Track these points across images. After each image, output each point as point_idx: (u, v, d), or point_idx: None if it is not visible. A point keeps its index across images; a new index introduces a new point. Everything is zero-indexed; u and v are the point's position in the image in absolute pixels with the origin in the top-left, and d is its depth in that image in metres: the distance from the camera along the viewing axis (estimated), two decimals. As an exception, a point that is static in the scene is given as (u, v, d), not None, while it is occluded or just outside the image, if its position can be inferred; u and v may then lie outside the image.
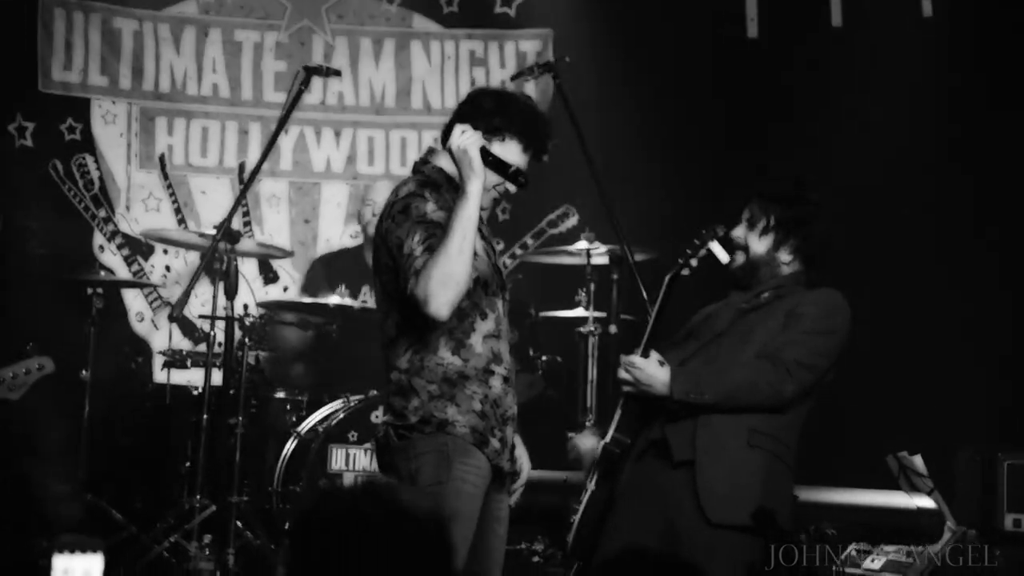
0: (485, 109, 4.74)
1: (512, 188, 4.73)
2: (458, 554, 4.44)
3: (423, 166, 4.81)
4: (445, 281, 4.42)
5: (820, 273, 5.16)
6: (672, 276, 4.99)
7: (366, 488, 2.81)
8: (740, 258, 5.10)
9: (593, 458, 5.12)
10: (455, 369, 4.59)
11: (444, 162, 4.73)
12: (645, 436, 4.98)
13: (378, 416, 4.82)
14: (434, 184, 4.66)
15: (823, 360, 4.96)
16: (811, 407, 5.05)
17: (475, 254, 4.57)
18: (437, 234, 4.49)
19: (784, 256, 5.10)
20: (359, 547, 2.70)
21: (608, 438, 4.99)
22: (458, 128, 4.59)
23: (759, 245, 5.10)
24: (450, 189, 4.65)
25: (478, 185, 4.50)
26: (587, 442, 5.23)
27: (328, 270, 9.07)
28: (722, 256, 4.99)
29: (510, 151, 4.71)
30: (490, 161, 4.59)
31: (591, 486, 5.00)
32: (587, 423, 7.67)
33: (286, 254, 9.07)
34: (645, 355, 4.92)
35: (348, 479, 7.67)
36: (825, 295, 5.05)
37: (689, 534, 4.79)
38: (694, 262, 4.98)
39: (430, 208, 4.56)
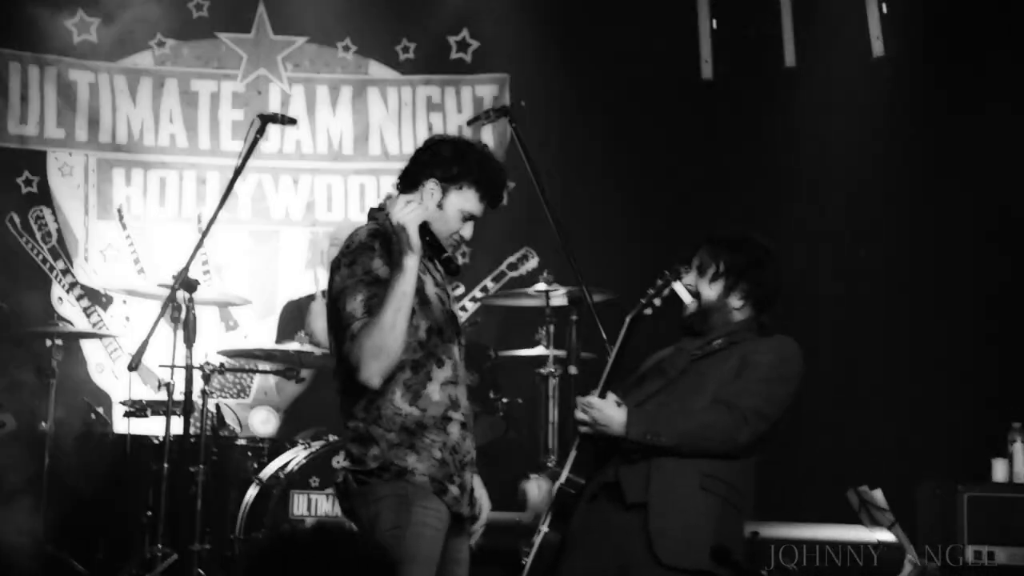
0: (443, 157, 4.78)
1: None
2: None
3: (377, 212, 4.83)
4: (376, 353, 4.49)
5: (771, 318, 5.18)
6: (634, 316, 4.99)
7: (316, 532, 2.82)
8: (692, 305, 5.11)
9: (545, 501, 5.11)
10: (413, 419, 4.59)
11: None
12: (598, 478, 4.98)
13: (338, 461, 4.80)
14: (384, 235, 4.67)
15: (777, 409, 4.98)
16: (763, 453, 5.07)
17: (428, 302, 4.63)
18: (379, 294, 4.53)
19: (735, 301, 5.11)
20: None
21: (563, 479, 4.98)
22: (402, 200, 4.61)
23: (710, 291, 5.11)
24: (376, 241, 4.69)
25: (414, 261, 4.53)
26: (536, 489, 5.21)
27: (299, 314, 9.06)
28: (685, 297, 5.01)
29: (467, 199, 4.76)
30: (427, 241, 4.62)
31: (544, 528, 4.99)
32: (548, 464, 7.66)
33: (245, 302, 9.05)
34: (603, 396, 4.93)
35: (309, 523, 7.64)
36: (779, 343, 5.06)
37: (640, 575, 4.79)
38: (657, 302, 4.99)
39: (376, 264, 4.59)
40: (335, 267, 4.67)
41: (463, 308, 9.52)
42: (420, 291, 4.64)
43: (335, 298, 4.61)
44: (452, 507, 4.63)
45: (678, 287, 4.97)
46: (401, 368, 4.58)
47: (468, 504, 4.73)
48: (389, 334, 4.49)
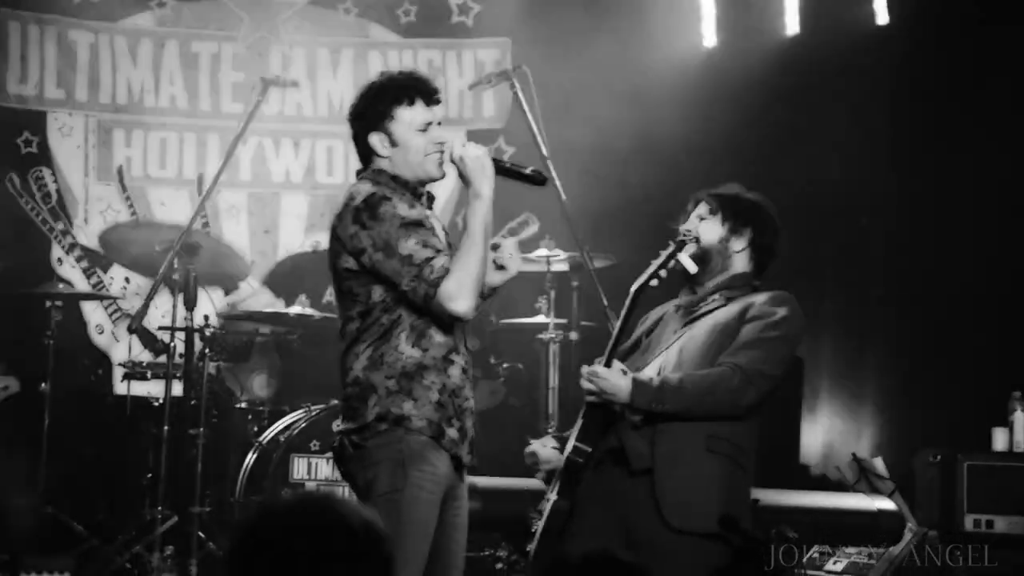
0: (359, 112, 4.81)
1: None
2: (408, 565, 4.47)
3: (366, 173, 4.84)
4: (474, 285, 4.56)
5: (766, 277, 5.17)
6: (639, 287, 4.98)
7: (302, 502, 2.81)
8: (691, 248, 5.08)
9: (554, 467, 5.11)
10: (414, 361, 4.61)
11: (384, 164, 4.77)
12: (603, 445, 4.99)
13: (337, 425, 4.81)
14: (387, 185, 4.71)
15: (782, 367, 4.97)
16: (766, 410, 5.07)
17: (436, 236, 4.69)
18: (423, 234, 4.57)
19: (736, 244, 5.09)
20: (296, 563, 2.70)
21: (570, 448, 4.98)
22: (460, 138, 4.65)
23: (711, 233, 5.08)
24: (398, 189, 4.71)
25: (491, 189, 4.62)
26: (546, 450, 5.19)
27: (292, 277, 9.05)
28: (690, 267, 4.98)
29: (404, 118, 4.74)
30: (506, 168, 4.74)
31: (553, 496, 4.99)
32: (548, 430, 7.68)
33: (245, 265, 9.05)
34: (608, 365, 4.93)
35: (310, 487, 7.66)
36: (779, 298, 5.02)
37: (650, 540, 4.79)
38: (663, 273, 4.98)
39: (403, 209, 4.61)
40: (346, 220, 4.64)
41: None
42: (435, 229, 4.70)
43: (357, 247, 4.60)
44: (450, 449, 4.63)
45: (683, 257, 4.95)
46: (410, 310, 4.61)
47: (468, 452, 4.74)
48: (485, 263, 4.62)
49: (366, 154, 4.81)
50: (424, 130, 4.77)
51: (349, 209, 4.64)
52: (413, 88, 4.79)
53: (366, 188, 4.68)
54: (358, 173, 4.88)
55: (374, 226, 4.58)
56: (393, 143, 4.76)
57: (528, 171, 4.80)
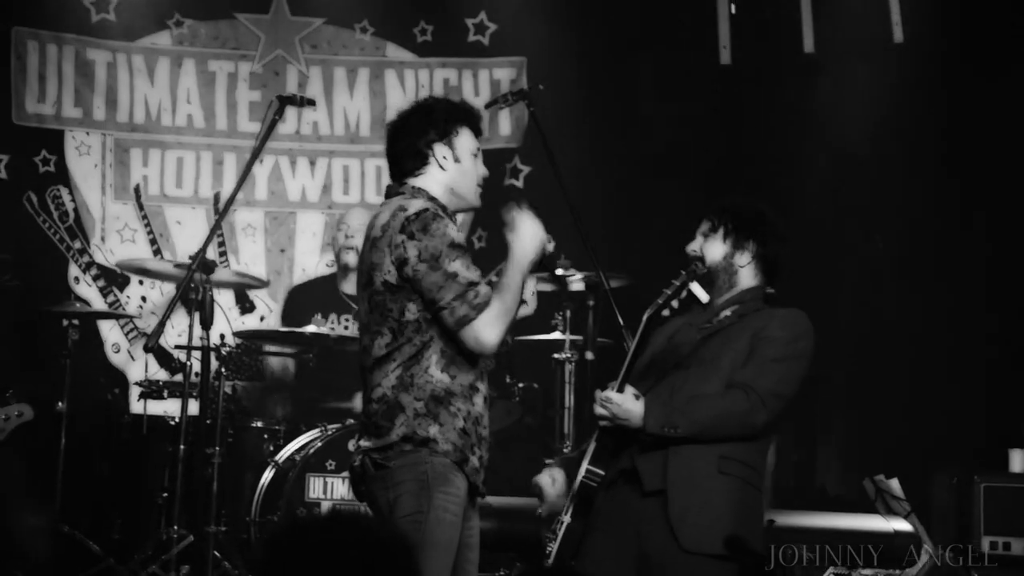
0: (431, 118, 4.89)
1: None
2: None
3: (401, 188, 4.85)
4: (507, 322, 4.70)
5: (777, 286, 5.15)
6: (650, 316, 4.98)
7: (332, 518, 2.82)
8: (699, 269, 5.09)
9: (561, 493, 5.11)
10: (443, 386, 4.63)
11: (422, 182, 4.84)
12: (616, 466, 4.98)
13: (356, 444, 4.80)
14: (434, 204, 4.78)
15: (794, 387, 4.97)
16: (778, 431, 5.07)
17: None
18: (469, 260, 4.67)
19: (741, 259, 5.09)
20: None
21: (583, 472, 4.97)
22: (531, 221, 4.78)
23: (716, 251, 5.09)
24: (436, 206, 4.76)
25: (530, 263, 4.78)
26: (549, 481, 5.19)
27: (305, 298, 9.04)
28: (702, 296, 4.97)
29: (468, 139, 4.90)
30: (544, 263, 4.91)
31: (567, 518, 4.98)
32: (564, 449, 7.67)
33: (262, 284, 9.05)
34: (621, 390, 4.92)
35: (325, 507, 7.65)
36: (792, 317, 5.03)
37: (663, 562, 4.79)
38: (675, 303, 4.98)
39: (452, 231, 4.67)
40: (394, 230, 4.65)
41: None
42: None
43: (401, 258, 4.62)
44: (471, 477, 4.66)
45: (695, 287, 4.94)
46: (441, 334, 4.64)
47: (483, 481, 4.77)
48: (516, 307, 4.73)
49: (413, 168, 4.85)
50: (476, 156, 4.90)
51: (399, 219, 4.65)
52: (473, 115, 4.96)
53: (419, 203, 4.71)
54: (390, 188, 4.91)
55: (423, 239, 4.61)
56: (456, 159, 4.85)
57: (557, 272, 5.10)
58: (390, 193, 4.90)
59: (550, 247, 4.87)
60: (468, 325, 4.59)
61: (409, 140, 4.87)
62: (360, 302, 4.84)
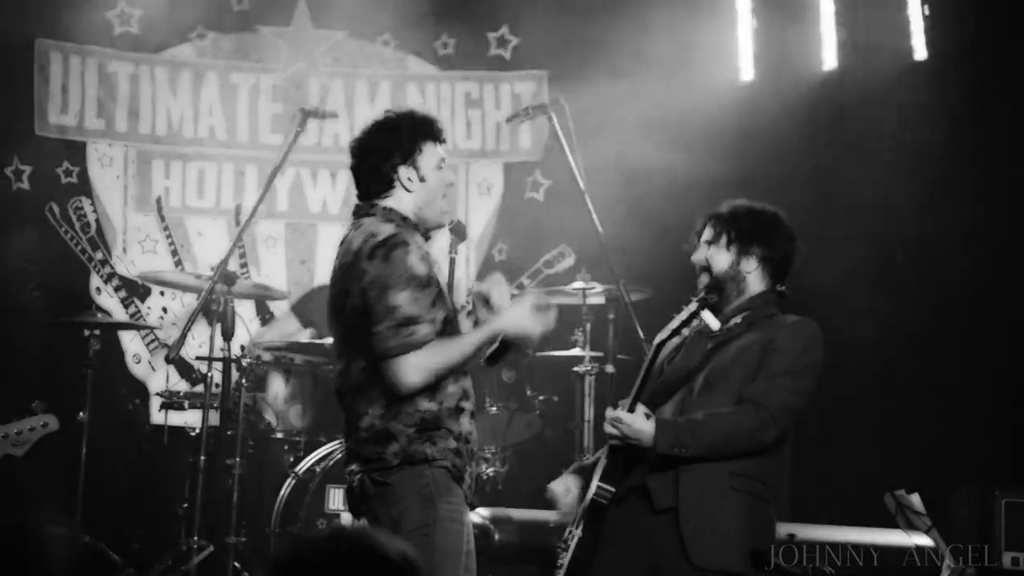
0: (393, 139, 4.83)
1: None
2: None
3: (371, 209, 4.84)
4: (438, 374, 4.61)
5: (786, 286, 5.13)
6: (661, 342, 4.97)
7: (338, 534, 2.82)
8: (704, 279, 5.07)
9: (574, 500, 5.11)
10: (432, 414, 4.64)
11: (392, 202, 4.81)
12: (627, 483, 4.97)
13: (350, 468, 4.79)
14: (404, 227, 4.74)
15: (805, 400, 4.96)
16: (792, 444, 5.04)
17: (444, 293, 4.72)
18: (421, 295, 4.58)
19: (748, 266, 5.06)
20: None
21: (593, 489, 4.97)
22: (528, 305, 4.74)
23: (722, 260, 5.07)
24: (407, 228, 4.74)
25: (503, 333, 4.74)
26: (563, 489, 5.18)
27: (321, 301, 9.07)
28: (713, 324, 4.95)
29: (432, 153, 4.85)
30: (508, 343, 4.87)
31: (578, 532, 4.97)
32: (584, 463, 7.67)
33: (282, 295, 9.07)
34: (632, 409, 4.91)
35: (345, 519, 7.66)
36: (800, 327, 5.00)
37: (674, 578, 4.80)
38: (685, 331, 4.98)
39: (413, 260, 4.62)
40: (358, 255, 4.65)
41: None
42: (438, 280, 4.72)
43: (362, 286, 4.61)
44: (465, 492, 4.70)
45: (706, 316, 4.91)
46: None
47: (474, 494, 4.82)
48: (459, 364, 4.67)
49: (380, 190, 4.82)
50: (440, 168, 4.84)
51: (369, 245, 4.64)
52: (435, 127, 4.88)
53: (388, 228, 4.69)
54: (358, 209, 4.88)
55: (381, 267, 4.59)
56: (421, 178, 4.80)
57: (529, 353, 4.96)
58: (359, 213, 4.88)
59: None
60: (392, 359, 4.55)
61: (373, 163, 4.83)
62: (332, 326, 4.83)
